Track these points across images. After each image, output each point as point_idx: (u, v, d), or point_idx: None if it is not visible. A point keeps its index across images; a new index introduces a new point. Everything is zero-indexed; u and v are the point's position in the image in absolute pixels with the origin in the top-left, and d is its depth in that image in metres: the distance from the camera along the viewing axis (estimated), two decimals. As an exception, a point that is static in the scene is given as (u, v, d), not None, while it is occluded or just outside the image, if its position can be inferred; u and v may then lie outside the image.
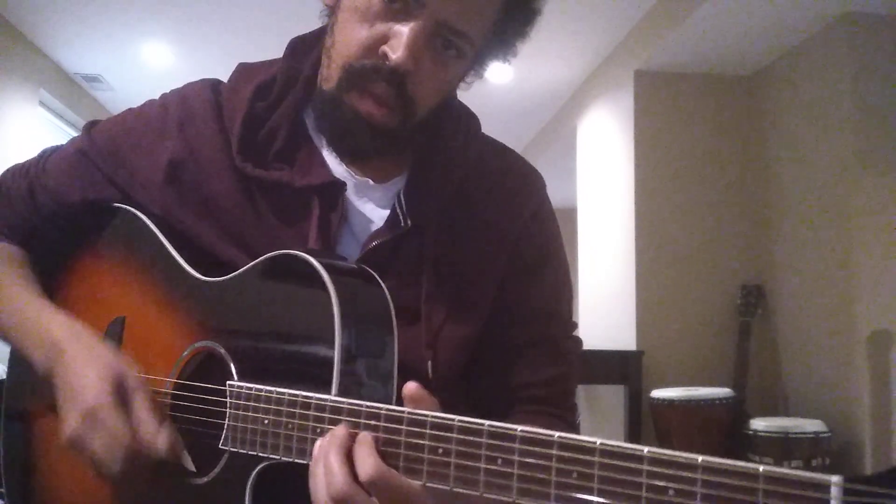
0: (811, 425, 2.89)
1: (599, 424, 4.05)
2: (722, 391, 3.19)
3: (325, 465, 0.62)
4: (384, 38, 0.76)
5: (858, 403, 2.93)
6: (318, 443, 0.65)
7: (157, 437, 0.75)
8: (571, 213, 4.83)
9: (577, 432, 0.91)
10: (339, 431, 0.63)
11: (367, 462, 0.60)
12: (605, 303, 4.04)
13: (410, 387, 0.62)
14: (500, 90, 4.49)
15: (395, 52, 0.75)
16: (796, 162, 3.42)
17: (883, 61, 3.09)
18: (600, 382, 3.69)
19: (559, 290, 0.94)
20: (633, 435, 3.49)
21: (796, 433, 2.86)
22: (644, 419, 3.45)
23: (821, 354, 3.18)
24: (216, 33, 4.12)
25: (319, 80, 0.84)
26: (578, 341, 0.94)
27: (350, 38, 0.78)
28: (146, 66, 4.55)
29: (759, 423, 2.96)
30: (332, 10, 0.83)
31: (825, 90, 3.24)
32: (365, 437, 0.62)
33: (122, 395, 0.76)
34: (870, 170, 3.02)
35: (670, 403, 3.18)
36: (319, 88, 0.84)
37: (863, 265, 2.96)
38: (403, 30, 0.75)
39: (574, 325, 0.95)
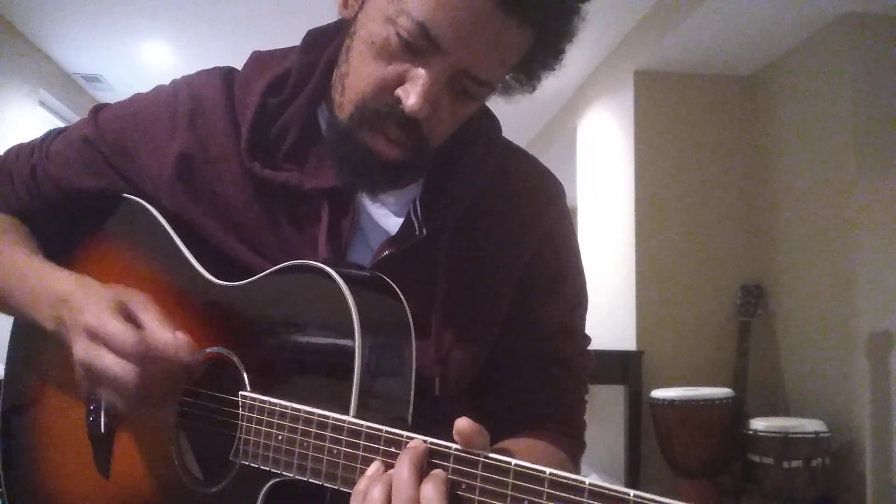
0: (811, 425, 2.89)
1: (599, 425, 4.05)
2: (722, 391, 3.20)
3: (396, 474, 0.59)
4: (400, 80, 0.71)
5: (858, 403, 2.93)
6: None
7: (175, 339, 0.71)
8: (571, 213, 4.82)
9: (583, 448, 0.90)
10: (420, 448, 0.60)
11: None
12: (605, 303, 4.04)
13: (463, 424, 0.58)
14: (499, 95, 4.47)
15: (410, 98, 0.70)
16: (796, 162, 3.42)
17: (883, 61, 3.09)
18: (600, 382, 3.68)
19: (575, 306, 0.91)
20: (633, 435, 3.49)
21: (796, 433, 2.86)
22: (644, 419, 3.45)
23: (821, 354, 3.19)
24: (215, 33, 4.12)
25: (333, 100, 0.79)
26: (591, 357, 0.92)
27: (365, 73, 0.73)
28: (146, 66, 4.55)
29: (759, 423, 2.97)
30: (348, 31, 0.78)
31: (825, 90, 3.24)
32: (440, 477, 0.58)
33: (127, 312, 0.73)
34: (870, 170, 3.03)
35: (670, 403, 3.18)
36: (333, 114, 0.80)
37: (863, 265, 2.97)
38: (420, 75, 0.70)
39: (587, 340, 0.92)
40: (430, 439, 0.59)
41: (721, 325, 3.63)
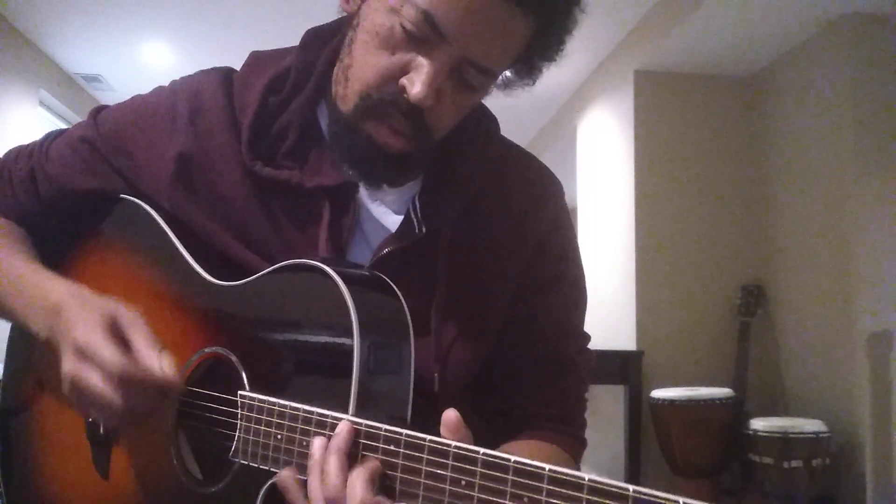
0: (811, 425, 2.89)
1: (599, 425, 4.05)
2: (722, 391, 3.20)
3: (324, 468, 0.61)
4: (404, 69, 0.72)
5: (858, 403, 2.93)
6: (317, 442, 0.64)
7: (160, 361, 0.70)
8: (571, 214, 4.82)
9: (584, 446, 0.90)
10: (343, 441, 0.62)
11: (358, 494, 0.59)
12: (605, 303, 4.03)
13: (450, 416, 0.59)
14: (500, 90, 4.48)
15: (415, 87, 0.71)
16: (796, 162, 3.42)
17: (883, 61, 3.09)
18: (600, 382, 3.68)
19: (574, 304, 0.90)
20: (633, 435, 3.49)
21: (796, 433, 2.86)
22: (644, 419, 3.45)
23: (821, 354, 3.18)
24: (215, 33, 4.12)
25: (334, 93, 0.80)
26: (591, 355, 0.91)
27: (369, 64, 0.74)
28: (146, 66, 4.55)
29: (759, 423, 2.97)
30: (351, 23, 0.78)
31: (825, 90, 3.23)
32: (370, 467, 0.60)
33: (116, 330, 0.73)
34: (870, 170, 3.02)
35: (670, 403, 3.18)
36: (334, 105, 0.79)
37: (863, 265, 2.96)
38: (425, 64, 0.71)
39: (587, 338, 0.92)
40: (429, 437, 0.59)
41: (721, 326, 3.62)
